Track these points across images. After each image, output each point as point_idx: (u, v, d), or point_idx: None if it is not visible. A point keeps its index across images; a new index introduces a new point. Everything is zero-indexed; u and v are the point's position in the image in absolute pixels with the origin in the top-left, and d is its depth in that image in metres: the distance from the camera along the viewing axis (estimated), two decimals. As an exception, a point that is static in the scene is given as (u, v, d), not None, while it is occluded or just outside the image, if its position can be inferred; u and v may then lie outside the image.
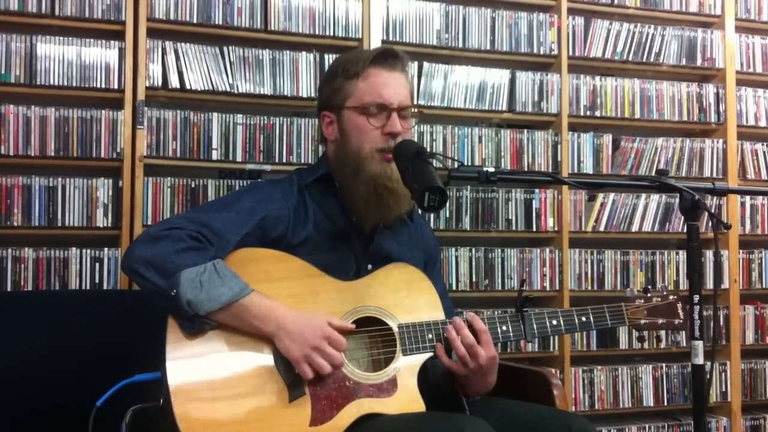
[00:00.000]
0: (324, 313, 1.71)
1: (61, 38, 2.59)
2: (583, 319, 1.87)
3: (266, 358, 1.67)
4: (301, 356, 1.63)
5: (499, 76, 3.09)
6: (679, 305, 1.91)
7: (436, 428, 1.57)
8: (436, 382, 1.89)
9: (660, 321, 1.90)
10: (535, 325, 1.84)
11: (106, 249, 2.58)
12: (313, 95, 2.82)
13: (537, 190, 3.09)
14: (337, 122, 1.91)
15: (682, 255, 3.26)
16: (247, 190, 1.98)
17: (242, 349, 1.67)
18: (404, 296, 1.83)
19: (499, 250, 3.02)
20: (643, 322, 1.90)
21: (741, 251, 3.35)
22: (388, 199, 1.83)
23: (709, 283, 3.26)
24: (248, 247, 1.78)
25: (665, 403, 3.20)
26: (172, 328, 1.65)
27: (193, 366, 1.63)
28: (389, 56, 1.89)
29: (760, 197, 3.39)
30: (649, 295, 1.92)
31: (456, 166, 1.73)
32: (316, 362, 1.63)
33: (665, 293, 1.93)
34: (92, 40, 2.62)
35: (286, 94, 2.80)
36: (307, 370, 1.63)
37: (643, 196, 3.23)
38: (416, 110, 1.97)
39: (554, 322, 1.86)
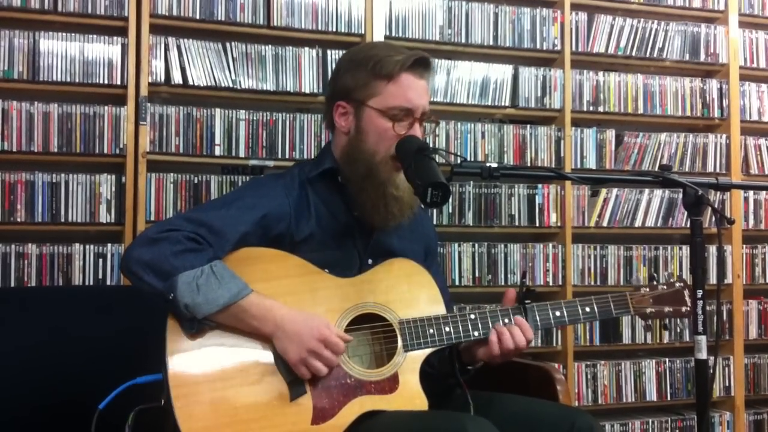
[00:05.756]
0: (323, 316, 1.70)
1: (64, 34, 2.59)
2: (587, 309, 1.85)
3: (267, 357, 1.66)
4: (298, 358, 1.63)
5: (502, 72, 3.08)
6: (686, 292, 1.87)
7: (438, 427, 1.57)
8: (438, 366, 1.89)
9: (667, 309, 1.87)
10: (538, 317, 1.83)
11: (109, 245, 2.59)
12: (315, 91, 2.82)
13: (540, 186, 3.08)
14: (354, 116, 1.86)
15: (686, 250, 3.25)
16: (248, 185, 1.97)
17: (242, 348, 1.66)
18: (404, 291, 1.82)
19: (502, 246, 3.03)
20: (649, 310, 1.87)
21: (744, 246, 3.35)
22: (393, 207, 1.82)
23: (713, 278, 3.27)
24: (249, 245, 1.77)
25: (668, 398, 3.20)
26: (172, 327, 1.64)
27: (194, 365, 1.63)
28: (422, 64, 1.86)
29: (764, 192, 3.38)
30: (654, 283, 1.89)
31: (459, 161, 1.72)
32: (312, 365, 1.63)
33: (671, 281, 1.90)
34: (95, 36, 2.62)
35: (288, 90, 2.80)
36: (303, 372, 1.63)
37: (647, 191, 3.23)
38: (433, 117, 1.94)
39: (557, 313, 1.84)
